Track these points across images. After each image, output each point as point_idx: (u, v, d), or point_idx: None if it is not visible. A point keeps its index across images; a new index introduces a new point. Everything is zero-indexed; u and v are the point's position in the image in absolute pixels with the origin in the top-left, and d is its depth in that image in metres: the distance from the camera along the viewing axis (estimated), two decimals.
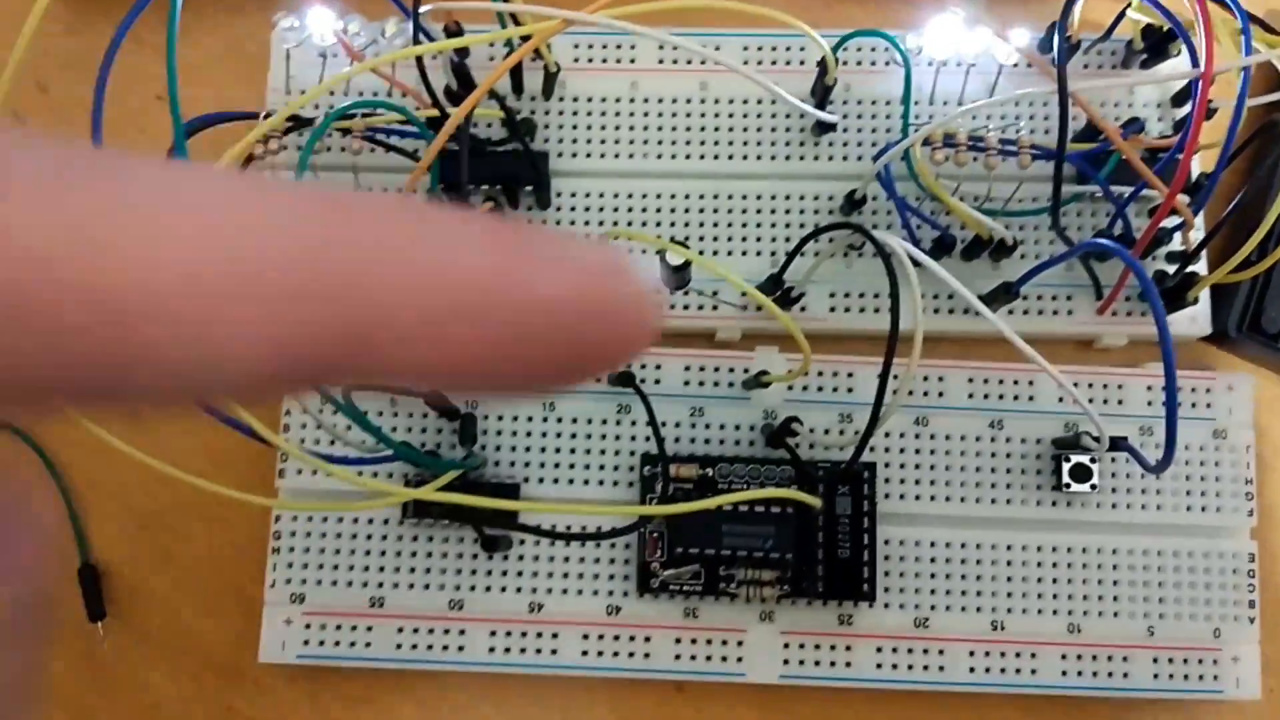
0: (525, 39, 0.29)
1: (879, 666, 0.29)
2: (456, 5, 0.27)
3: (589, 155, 0.32)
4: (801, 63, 0.32)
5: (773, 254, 0.31)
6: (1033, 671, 0.29)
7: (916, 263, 0.25)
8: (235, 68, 0.34)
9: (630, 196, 0.32)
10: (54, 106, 0.34)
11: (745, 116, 0.32)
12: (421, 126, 0.28)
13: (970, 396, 0.31)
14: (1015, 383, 0.31)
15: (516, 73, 0.32)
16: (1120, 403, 0.31)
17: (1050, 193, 0.27)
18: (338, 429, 0.28)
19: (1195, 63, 0.26)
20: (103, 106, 0.25)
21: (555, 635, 0.30)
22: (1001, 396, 0.31)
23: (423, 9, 0.26)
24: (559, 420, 0.30)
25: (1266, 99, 0.29)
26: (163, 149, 0.29)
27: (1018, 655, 0.29)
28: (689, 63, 0.32)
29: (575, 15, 0.24)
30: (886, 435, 0.30)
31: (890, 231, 0.31)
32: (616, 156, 0.32)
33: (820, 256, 0.29)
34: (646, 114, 0.32)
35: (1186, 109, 0.31)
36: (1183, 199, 0.29)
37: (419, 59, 0.27)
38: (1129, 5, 0.29)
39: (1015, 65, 0.30)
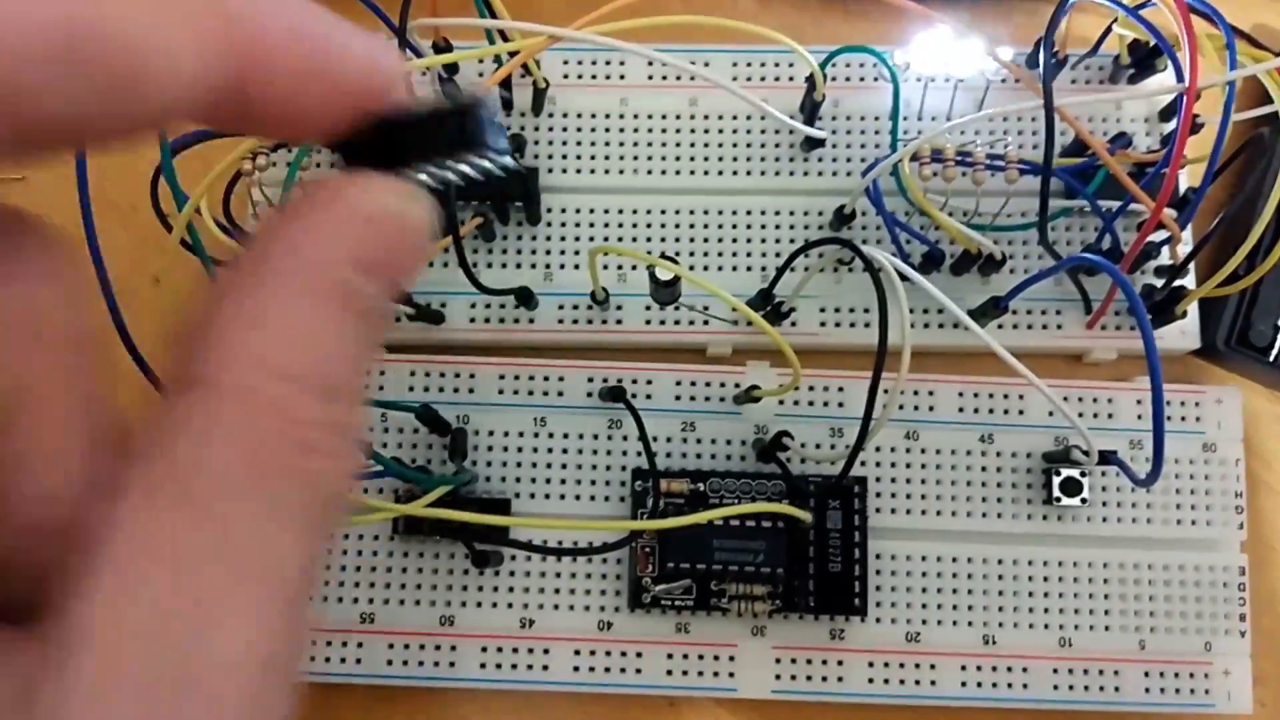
0: (513, 55, 0.29)
1: (870, 681, 0.29)
2: (443, 22, 0.27)
3: (579, 171, 0.32)
4: (790, 78, 0.32)
5: (763, 269, 0.31)
6: (1024, 686, 0.29)
7: (904, 277, 0.25)
8: None
9: (620, 212, 0.32)
10: None
11: (735, 132, 0.32)
12: None
13: (960, 411, 0.31)
14: (1005, 397, 0.31)
15: (506, 88, 0.32)
16: (1110, 416, 0.31)
17: (1038, 207, 0.27)
18: None
19: (1180, 78, 0.26)
20: None
21: (547, 651, 0.29)
22: (992, 411, 0.31)
23: (409, 25, 0.26)
24: (550, 435, 0.30)
25: (1253, 113, 0.29)
26: (151, 165, 0.29)
27: (1009, 669, 0.29)
28: (678, 79, 0.32)
29: (562, 31, 0.24)
30: (877, 450, 0.30)
31: (879, 247, 0.31)
32: (606, 172, 0.32)
33: (810, 272, 0.29)
34: (636, 130, 0.32)
35: (1174, 124, 0.31)
36: (1170, 213, 0.29)
37: (406, 76, 0.27)
38: (1115, 21, 0.29)
39: (1003, 81, 0.30)
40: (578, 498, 0.30)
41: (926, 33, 0.29)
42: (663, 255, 0.31)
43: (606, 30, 0.25)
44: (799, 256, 0.28)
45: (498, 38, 0.28)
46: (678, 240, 0.31)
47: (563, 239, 0.31)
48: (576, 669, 0.29)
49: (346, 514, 0.27)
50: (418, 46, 0.30)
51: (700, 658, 0.29)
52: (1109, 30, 0.30)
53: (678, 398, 0.31)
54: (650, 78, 0.32)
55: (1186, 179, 0.32)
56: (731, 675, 0.29)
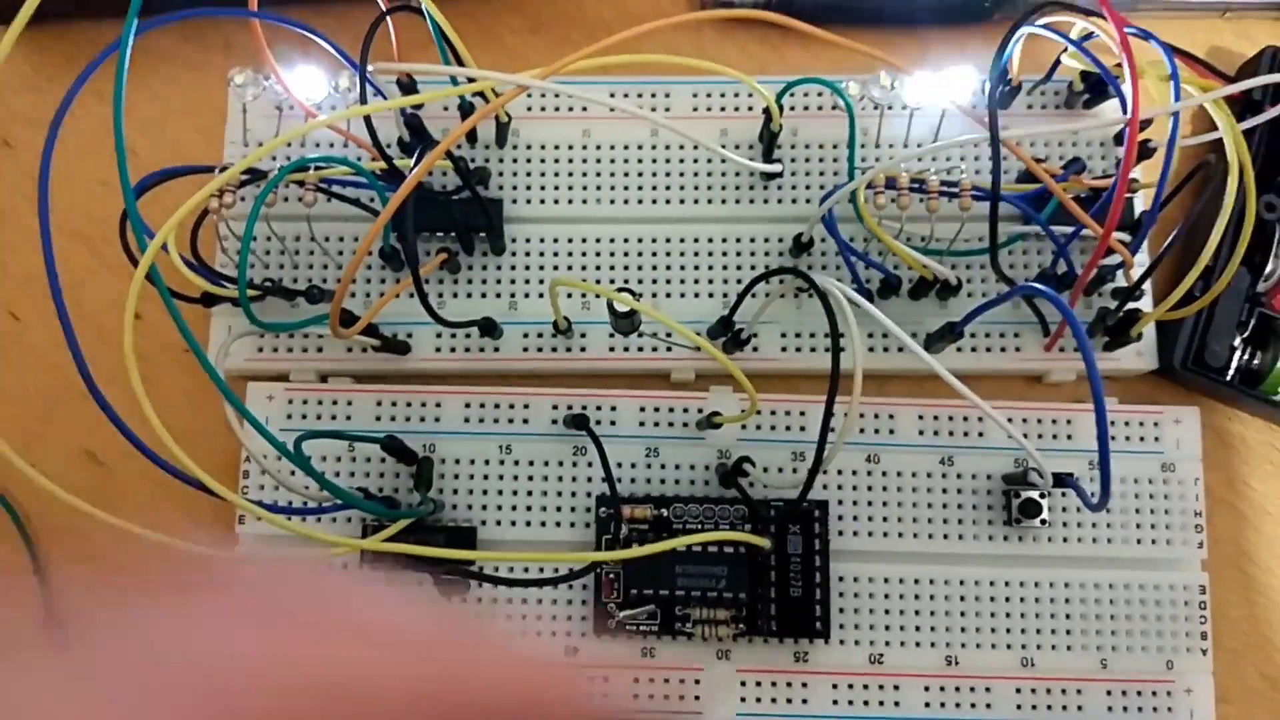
0: (478, 95, 0.30)
1: (835, 703, 0.30)
2: (403, 67, 0.28)
3: (543, 201, 0.32)
4: (750, 108, 0.33)
5: (724, 295, 0.32)
6: (987, 706, 0.30)
7: (857, 304, 0.25)
8: (194, 120, 0.35)
9: (584, 241, 0.32)
10: (18, 161, 0.35)
11: (695, 162, 0.32)
12: (371, 178, 0.28)
13: (921, 434, 0.31)
14: (965, 419, 0.31)
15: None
16: (1069, 438, 0.31)
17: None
18: (293, 479, 0.28)
19: (1125, 109, 0.26)
20: (50, 161, 0.25)
21: None
22: (951, 433, 0.31)
23: (370, 69, 0.27)
24: (515, 463, 0.31)
25: (1205, 138, 0.30)
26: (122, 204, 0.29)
27: (972, 689, 0.30)
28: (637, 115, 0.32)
29: (529, 82, 0.24)
30: (839, 473, 0.31)
31: (837, 273, 0.32)
32: (570, 202, 0.32)
33: (770, 299, 0.30)
34: (599, 160, 0.32)
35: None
36: (1122, 237, 0.29)
37: (367, 117, 0.27)
38: (1063, 51, 0.29)
39: (960, 107, 0.30)
40: (543, 524, 0.31)
41: (883, 64, 0.29)
42: (624, 285, 0.32)
43: (569, 69, 0.25)
44: (756, 285, 0.29)
45: (462, 79, 0.28)
46: (640, 268, 0.32)
47: (527, 268, 0.32)
48: None
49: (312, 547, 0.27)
50: (379, 85, 0.30)
51: (666, 681, 0.30)
52: (1058, 61, 0.30)
53: (641, 424, 0.31)
54: (612, 110, 0.33)
55: (1143, 203, 0.32)
56: (697, 698, 0.30)
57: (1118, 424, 0.31)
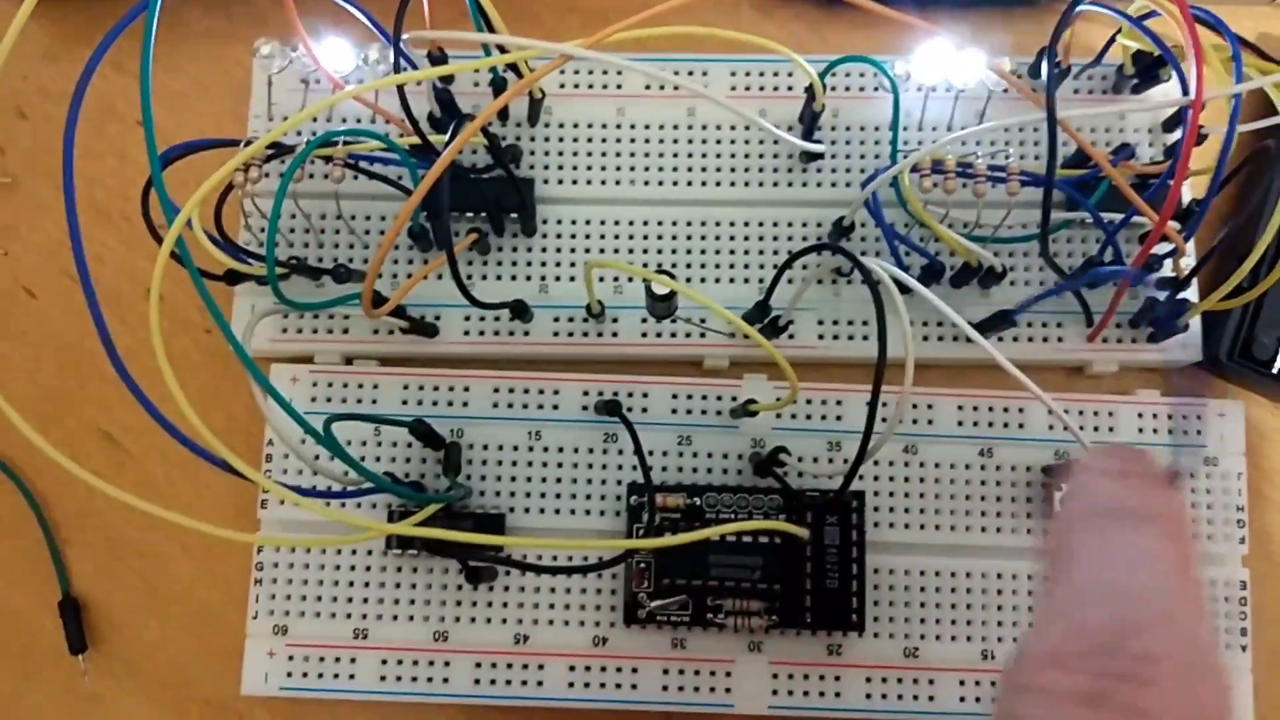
0: (511, 67, 0.29)
1: (868, 697, 0.29)
2: (438, 35, 0.27)
3: (575, 182, 0.31)
4: (790, 88, 0.32)
5: (760, 281, 0.31)
6: None
7: (904, 288, 0.24)
8: (219, 93, 0.34)
9: (617, 223, 0.31)
10: (34, 133, 0.34)
11: (733, 143, 0.31)
12: (404, 154, 0.28)
13: (960, 424, 0.30)
14: (1005, 410, 0.30)
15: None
16: (1111, 430, 0.30)
17: (1039, 220, 0.27)
18: (319, 462, 0.27)
19: (1185, 90, 0.26)
20: (75, 133, 0.24)
21: (541, 667, 0.29)
22: (991, 424, 0.30)
23: (404, 37, 0.26)
24: (545, 450, 0.30)
25: (1258, 125, 0.29)
26: (144, 175, 0.28)
27: None
28: (676, 88, 0.32)
29: (570, 50, 0.24)
30: (876, 464, 0.30)
31: (880, 259, 0.31)
32: (603, 183, 0.31)
33: (806, 282, 0.29)
34: (634, 140, 0.32)
35: (1177, 134, 0.31)
36: (1174, 225, 0.29)
37: (400, 88, 0.26)
38: (1119, 31, 0.28)
39: (1005, 91, 0.30)
40: (573, 512, 0.30)
41: (928, 42, 0.28)
42: (659, 267, 0.31)
43: (609, 43, 0.24)
44: (791, 265, 0.28)
45: (494, 50, 0.27)
46: (674, 252, 0.31)
47: (559, 250, 0.31)
48: (571, 685, 0.29)
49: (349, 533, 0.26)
50: (412, 57, 0.29)
51: (696, 673, 0.29)
52: (1113, 40, 0.30)
53: (674, 411, 0.30)
54: (648, 87, 0.32)
55: (1190, 191, 0.31)
56: (728, 691, 0.29)
57: (1160, 417, 0.30)
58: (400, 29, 0.26)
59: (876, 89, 0.31)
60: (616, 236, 0.31)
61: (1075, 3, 0.25)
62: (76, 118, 0.25)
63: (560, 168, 0.32)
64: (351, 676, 0.29)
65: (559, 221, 0.31)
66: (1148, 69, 0.30)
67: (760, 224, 0.31)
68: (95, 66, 0.25)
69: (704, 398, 0.31)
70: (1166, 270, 0.30)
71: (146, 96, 0.23)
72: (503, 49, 0.27)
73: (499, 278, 0.31)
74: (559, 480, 0.30)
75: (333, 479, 0.27)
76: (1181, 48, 0.25)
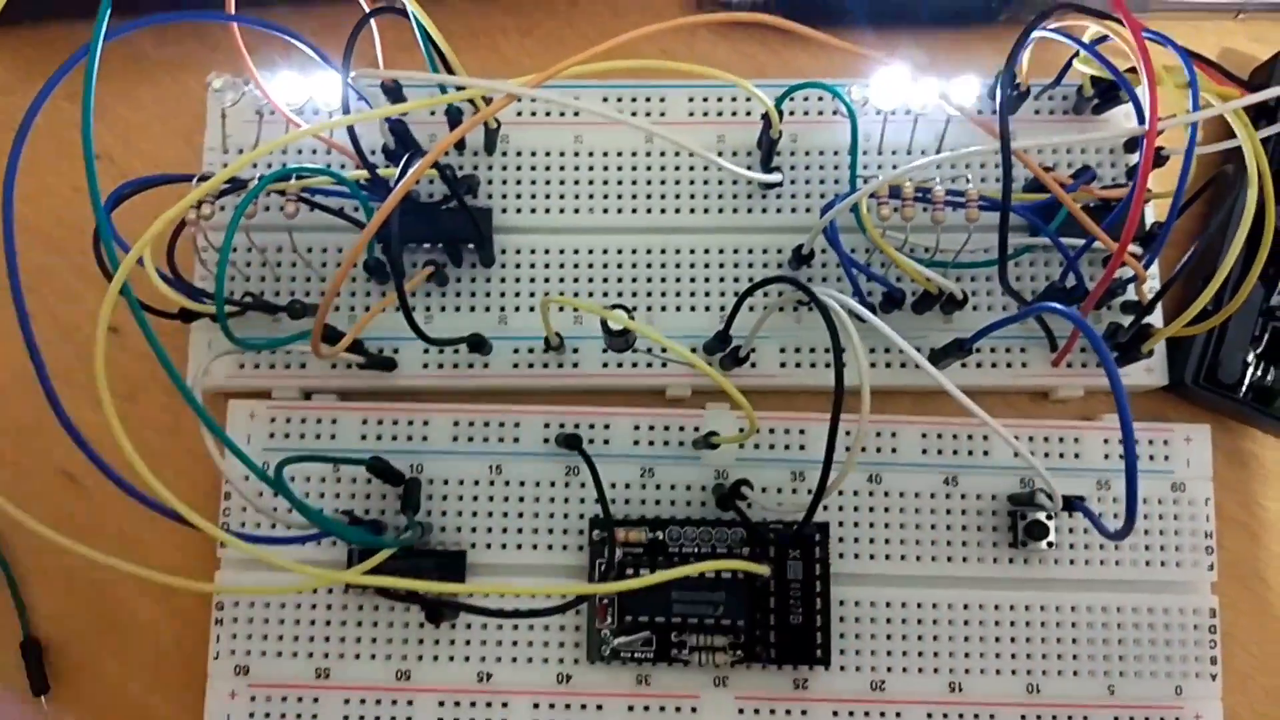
0: (467, 100, 0.28)
1: None
2: (388, 74, 0.27)
3: (533, 210, 0.31)
4: (748, 113, 0.32)
5: (721, 309, 0.31)
6: None
7: (859, 317, 0.24)
8: (177, 124, 0.34)
9: (576, 252, 0.31)
10: None
11: (692, 169, 0.31)
12: (354, 188, 0.27)
13: (924, 453, 0.30)
14: (969, 438, 0.30)
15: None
16: (1077, 456, 0.30)
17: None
18: (277, 513, 0.27)
19: (1140, 118, 0.25)
20: (17, 168, 0.24)
21: (505, 705, 0.29)
22: (955, 452, 0.30)
23: (353, 75, 0.26)
24: (506, 484, 0.30)
25: (1219, 147, 0.28)
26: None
27: (976, 717, 0.29)
28: (633, 114, 0.31)
29: (520, 89, 0.23)
30: (840, 494, 0.30)
31: (839, 285, 0.30)
32: (561, 211, 0.31)
33: (767, 311, 0.29)
34: (592, 168, 0.31)
35: (1138, 156, 0.31)
36: (1135, 250, 0.28)
37: (350, 126, 0.26)
38: (1076, 55, 0.28)
39: (968, 115, 0.29)
40: (535, 547, 0.30)
41: (885, 68, 0.28)
42: (618, 298, 0.31)
43: (561, 75, 0.24)
44: (750, 296, 0.27)
45: (450, 86, 0.27)
46: (634, 280, 0.31)
47: (517, 281, 0.31)
48: None
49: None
50: (363, 93, 0.29)
51: (662, 710, 0.29)
52: (1069, 64, 0.29)
53: (636, 442, 0.30)
54: (613, 116, 0.31)
55: (1154, 213, 0.31)
56: None
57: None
58: (348, 65, 0.26)
59: (835, 113, 0.31)
60: (576, 265, 0.31)
61: (1028, 30, 0.25)
62: (20, 153, 0.24)
63: (519, 196, 0.31)
64: (314, 717, 0.29)
65: (518, 251, 0.31)
66: (1106, 90, 0.30)
67: (720, 251, 0.31)
68: (43, 101, 0.25)
69: (666, 428, 0.30)
70: (1130, 293, 0.30)
71: (88, 139, 0.23)
72: (458, 87, 0.26)
73: (458, 309, 0.31)
74: (520, 515, 0.30)
75: (289, 523, 0.27)
76: (1135, 73, 0.25)
